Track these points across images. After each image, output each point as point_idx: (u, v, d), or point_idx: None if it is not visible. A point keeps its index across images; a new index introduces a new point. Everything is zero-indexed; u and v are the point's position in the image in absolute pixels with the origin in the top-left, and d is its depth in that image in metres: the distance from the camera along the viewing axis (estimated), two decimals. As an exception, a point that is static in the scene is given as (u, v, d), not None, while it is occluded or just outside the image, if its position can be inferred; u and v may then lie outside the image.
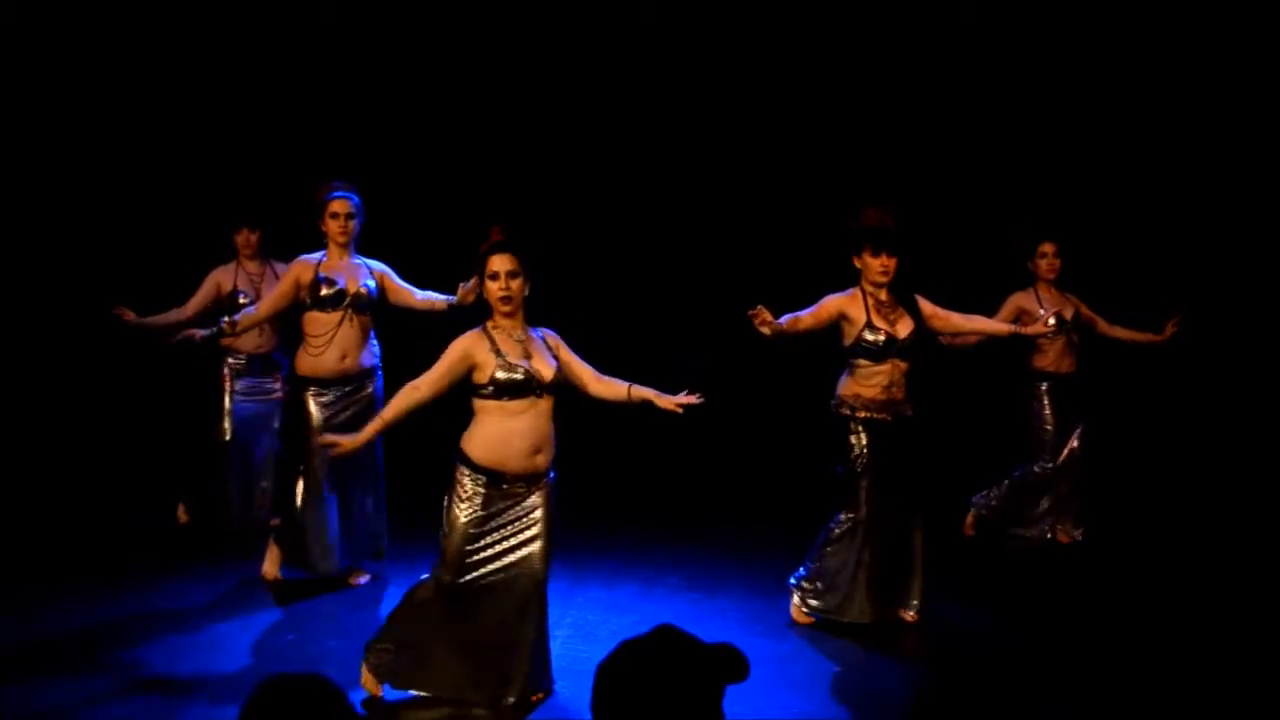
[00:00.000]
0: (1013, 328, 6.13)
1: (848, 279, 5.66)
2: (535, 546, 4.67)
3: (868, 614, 5.57)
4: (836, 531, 5.63)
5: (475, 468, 4.64)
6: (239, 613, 5.77)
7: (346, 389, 5.97)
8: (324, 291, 5.85)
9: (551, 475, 4.76)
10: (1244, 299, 8.21)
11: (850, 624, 5.61)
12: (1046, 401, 7.00)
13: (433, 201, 8.41)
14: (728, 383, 6.10)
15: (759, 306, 5.28)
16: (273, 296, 6.02)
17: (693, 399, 4.81)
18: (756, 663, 5.29)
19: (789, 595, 5.80)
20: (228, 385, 6.90)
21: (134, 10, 8.25)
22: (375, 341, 6.10)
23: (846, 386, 5.64)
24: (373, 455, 6.07)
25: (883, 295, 5.58)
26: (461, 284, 5.70)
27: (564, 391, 4.74)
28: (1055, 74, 8.30)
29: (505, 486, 4.64)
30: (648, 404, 4.79)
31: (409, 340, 5.85)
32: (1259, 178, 8.18)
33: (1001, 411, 7.22)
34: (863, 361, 5.58)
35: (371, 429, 4.83)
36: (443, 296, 5.89)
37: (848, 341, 5.59)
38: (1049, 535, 7.04)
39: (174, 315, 6.82)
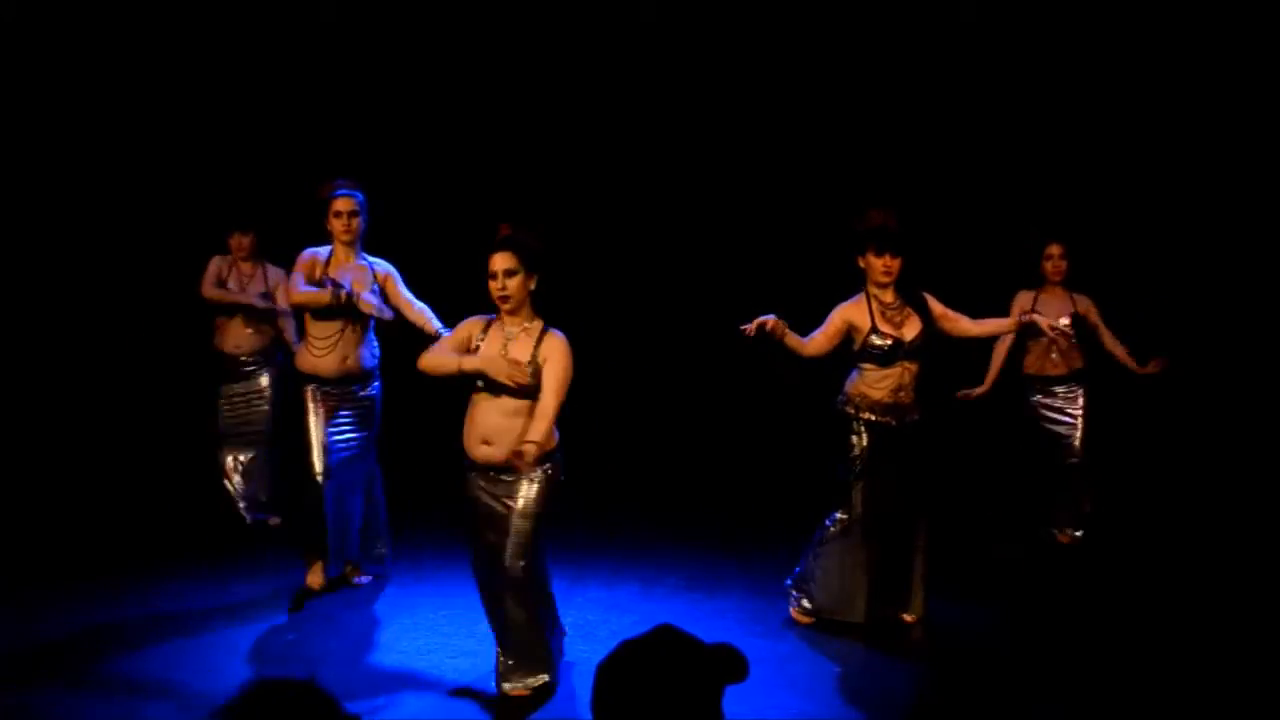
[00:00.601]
0: (1015, 321, 6.12)
1: (853, 280, 5.65)
2: (505, 538, 4.72)
3: (861, 615, 5.56)
4: (831, 530, 5.63)
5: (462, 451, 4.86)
6: (239, 613, 5.77)
7: (348, 389, 5.94)
8: (334, 292, 5.80)
9: (528, 471, 4.68)
10: (1246, 298, 8.21)
11: (850, 624, 5.60)
12: (1035, 402, 7.00)
13: (432, 201, 8.41)
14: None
15: (773, 320, 5.31)
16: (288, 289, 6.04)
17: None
18: (756, 663, 5.29)
19: (786, 595, 5.81)
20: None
21: (132, 11, 8.25)
22: (375, 341, 6.06)
23: (854, 385, 5.63)
24: (370, 455, 6.06)
25: (888, 297, 5.56)
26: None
27: (535, 393, 4.67)
28: (1061, 72, 8.29)
29: (474, 474, 4.79)
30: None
31: (411, 342, 5.87)
32: (1265, 174, 8.17)
33: (1003, 414, 7.22)
34: (869, 366, 5.57)
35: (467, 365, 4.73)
36: (436, 324, 5.71)
37: (856, 347, 5.58)
38: (1054, 534, 7.03)
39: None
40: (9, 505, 7.28)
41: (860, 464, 5.56)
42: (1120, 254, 7.99)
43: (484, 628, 5.03)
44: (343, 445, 5.88)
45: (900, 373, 5.54)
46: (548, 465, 4.76)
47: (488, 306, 4.88)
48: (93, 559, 6.55)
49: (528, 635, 4.83)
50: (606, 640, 5.29)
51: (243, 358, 7.08)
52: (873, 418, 5.57)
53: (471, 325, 4.87)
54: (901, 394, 5.56)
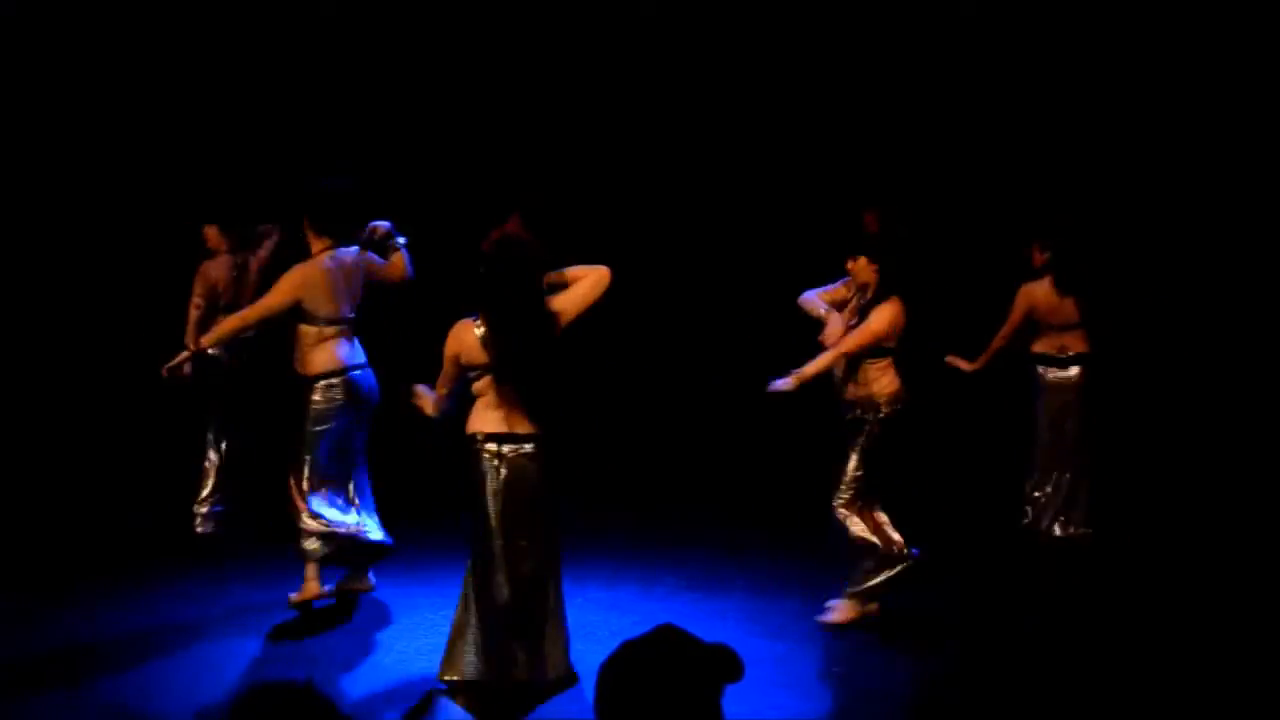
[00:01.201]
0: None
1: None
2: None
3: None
4: None
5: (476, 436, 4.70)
6: (238, 614, 5.76)
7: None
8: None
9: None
10: (1247, 297, 8.20)
11: (850, 624, 5.64)
12: (1041, 385, 6.96)
13: (432, 201, 8.40)
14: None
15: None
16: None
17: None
18: (756, 663, 5.29)
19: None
20: None
21: (130, 12, 8.25)
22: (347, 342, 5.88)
23: (885, 385, 5.73)
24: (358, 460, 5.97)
25: (868, 294, 5.62)
26: None
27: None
28: (1058, 70, 8.29)
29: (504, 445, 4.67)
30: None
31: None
32: (1263, 173, 8.17)
33: (1003, 404, 7.22)
34: (886, 360, 5.68)
35: None
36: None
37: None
38: (1058, 531, 7.00)
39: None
40: (8, 507, 7.27)
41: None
42: (1119, 250, 7.99)
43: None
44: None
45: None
46: None
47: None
48: (92, 560, 6.55)
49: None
50: (606, 640, 5.27)
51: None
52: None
53: (464, 330, 4.69)
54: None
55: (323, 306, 5.62)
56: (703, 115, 8.71)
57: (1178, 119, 8.21)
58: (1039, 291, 6.85)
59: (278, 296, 5.64)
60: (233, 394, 6.97)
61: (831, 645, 5.47)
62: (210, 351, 6.47)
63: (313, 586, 5.75)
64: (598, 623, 5.68)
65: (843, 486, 5.62)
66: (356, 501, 5.81)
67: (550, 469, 4.78)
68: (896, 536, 5.61)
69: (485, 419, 4.69)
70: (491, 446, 4.68)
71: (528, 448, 4.69)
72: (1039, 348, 6.96)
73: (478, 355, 4.65)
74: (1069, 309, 6.83)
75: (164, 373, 5.98)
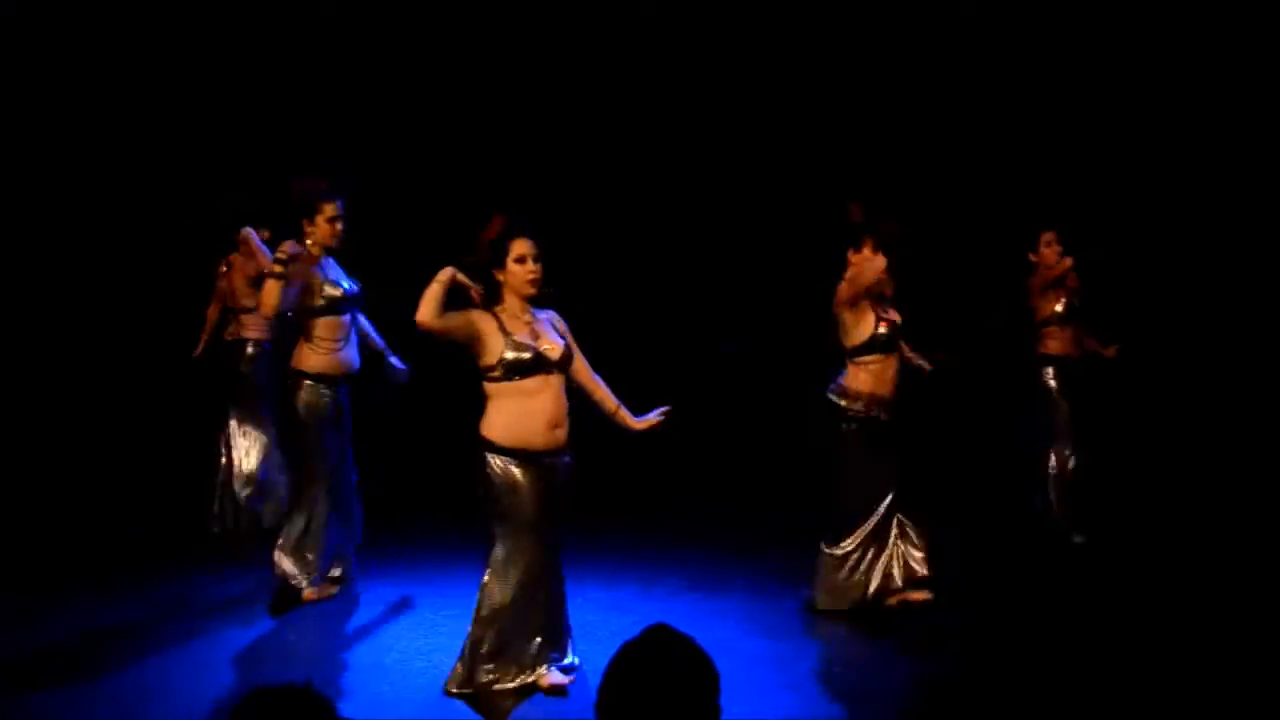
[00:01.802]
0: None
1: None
2: (556, 522, 4.85)
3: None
4: None
5: (500, 450, 4.69)
6: (238, 613, 5.77)
7: (341, 392, 5.93)
8: (335, 293, 5.81)
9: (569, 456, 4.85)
10: (1247, 296, 8.21)
11: (850, 624, 5.68)
12: (1054, 386, 7.00)
13: (430, 200, 8.41)
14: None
15: None
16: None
17: (656, 420, 4.97)
18: (756, 663, 5.32)
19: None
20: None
21: (131, 12, 8.26)
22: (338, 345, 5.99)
23: (858, 385, 5.77)
24: (347, 465, 6.01)
25: (886, 291, 5.69)
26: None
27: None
28: (1056, 67, 8.30)
29: (533, 464, 4.69)
30: (624, 427, 4.97)
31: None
32: (1262, 172, 8.17)
33: (1002, 405, 7.23)
34: (871, 356, 5.74)
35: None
36: (379, 343, 6.07)
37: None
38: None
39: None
40: (8, 507, 7.27)
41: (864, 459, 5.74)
42: (1116, 247, 7.99)
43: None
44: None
45: (893, 362, 5.74)
46: None
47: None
48: (91, 561, 6.55)
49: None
50: (606, 640, 5.29)
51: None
52: (876, 414, 5.72)
53: (479, 319, 4.72)
54: (895, 386, 5.73)
55: None
56: (701, 112, 8.71)
57: (1175, 120, 8.22)
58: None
59: None
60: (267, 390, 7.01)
61: (831, 645, 5.47)
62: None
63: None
64: (597, 623, 5.68)
65: None
66: None
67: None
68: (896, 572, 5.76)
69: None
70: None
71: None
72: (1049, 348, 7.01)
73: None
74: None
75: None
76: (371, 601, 5.98)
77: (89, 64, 8.34)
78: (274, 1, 8.40)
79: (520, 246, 4.76)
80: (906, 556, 5.77)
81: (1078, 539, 6.93)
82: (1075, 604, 6.03)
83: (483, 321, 4.71)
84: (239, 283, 7.05)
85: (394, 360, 6.10)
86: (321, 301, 5.80)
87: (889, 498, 5.76)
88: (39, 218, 8.46)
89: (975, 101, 8.46)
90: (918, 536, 5.80)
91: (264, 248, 6.43)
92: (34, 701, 4.77)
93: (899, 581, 5.76)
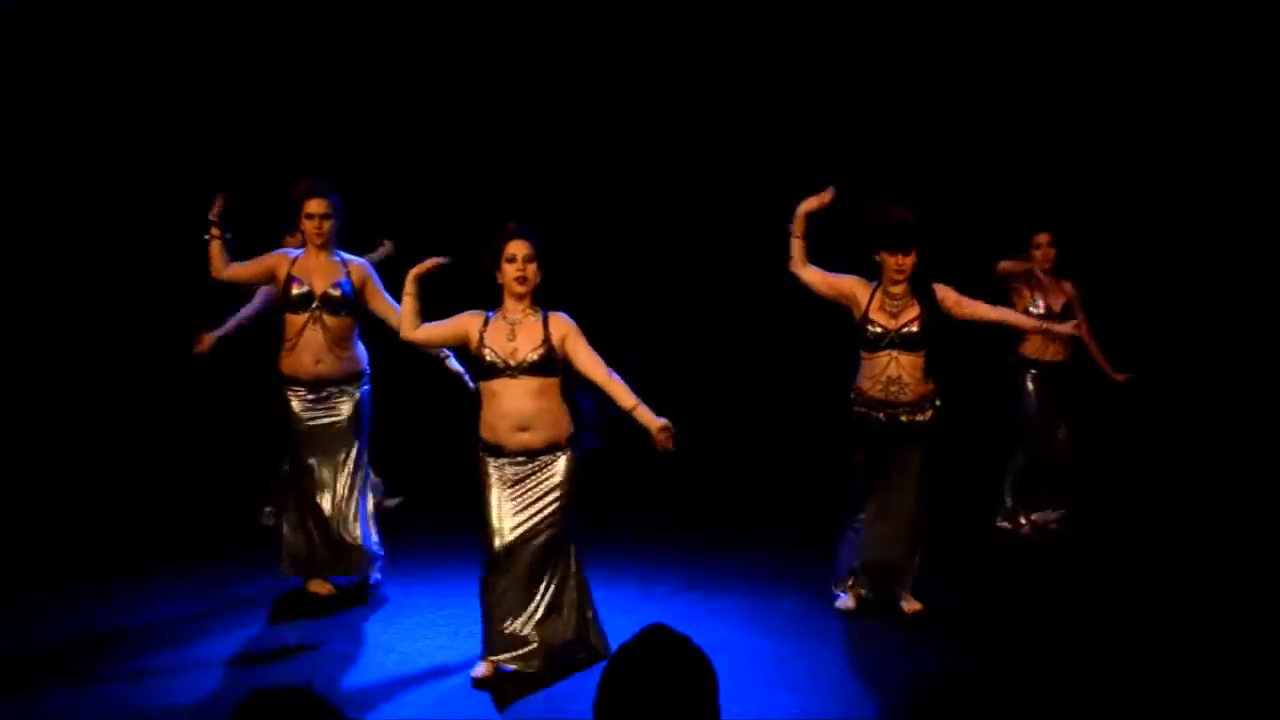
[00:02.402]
0: (1039, 324, 6.14)
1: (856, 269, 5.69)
2: (547, 514, 4.94)
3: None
4: (855, 525, 5.81)
5: (480, 444, 4.96)
6: (239, 614, 5.77)
7: (324, 394, 5.83)
8: (293, 291, 5.75)
9: (565, 449, 4.97)
10: (1241, 295, 8.20)
11: (850, 624, 5.67)
12: (1031, 388, 7.01)
13: (432, 202, 8.41)
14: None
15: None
16: (250, 266, 5.84)
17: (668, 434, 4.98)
18: (756, 663, 5.32)
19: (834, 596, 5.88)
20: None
21: (132, 12, 8.26)
22: (360, 347, 5.95)
23: (858, 379, 5.69)
24: (358, 459, 5.95)
25: (898, 290, 5.55)
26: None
27: (553, 371, 4.92)
28: (1056, 67, 8.29)
29: (507, 460, 4.91)
30: (642, 429, 4.95)
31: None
32: (1260, 174, 8.17)
33: (991, 401, 7.23)
34: (862, 353, 5.63)
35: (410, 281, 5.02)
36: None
37: (854, 324, 5.64)
38: (1050, 525, 7.04)
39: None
40: (9, 507, 7.27)
41: (856, 456, 5.68)
42: (1112, 246, 7.99)
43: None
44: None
45: (888, 363, 5.54)
46: (571, 441, 5.01)
47: (479, 305, 5.00)
48: (92, 561, 6.54)
49: (586, 609, 5.12)
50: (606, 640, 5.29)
51: None
52: (864, 410, 5.63)
53: (469, 319, 4.98)
54: (894, 388, 5.55)
55: None
56: (703, 109, 8.71)
57: (1172, 121, 8.22)
58: (1014, 268, 6.93)
59: None
60: None
61: (832, 645, 5.47)
62: None
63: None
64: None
65: None
66: None
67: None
68: None
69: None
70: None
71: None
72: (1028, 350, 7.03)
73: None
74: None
75: None
76: (372, 602, 5.97)
77: (111, 64, 8.34)
78: (275, 2, 8.40)
79: (512, 248, 4.94)
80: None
81: (1023, 525, 6.98)
82: (1074, 603, 6.03)
83: (471, 324, 4.95)
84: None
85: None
86: (291, 298, 5.78)
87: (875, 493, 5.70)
88: (39, 218, 8.45)
89: (973, 102, 8.46)
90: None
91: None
92: (34, 701, 4.77)
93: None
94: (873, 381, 5.59)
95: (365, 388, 5.93)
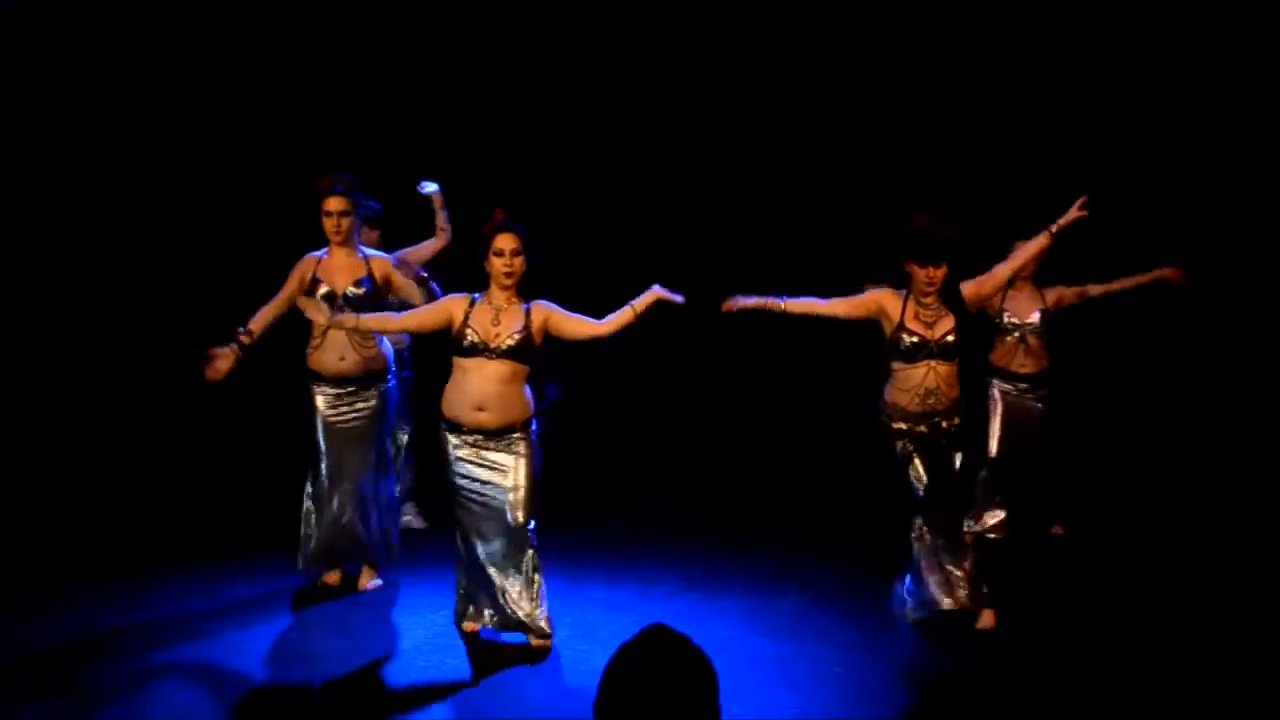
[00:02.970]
0: (1047, 233, 5.61)
1: (857, 275, 5.67)
2: (504, 494, 5.18)
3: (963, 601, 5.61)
4: (914, 537, 5.65)
5: (441, 420, 5.26)
6: (239, 613, 5.76)
7: (348, 390, 5.88)
8: (318, 292, 5.75)
9: (521, 431, 5.20)
10: (1233, 296, 8.19)
11: (849, 624, 5.68)
12: (996, 396, 6.81)
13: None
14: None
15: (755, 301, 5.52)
16: (281, 295, 5.82)
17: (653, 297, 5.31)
18: (756, 663, 5.32)
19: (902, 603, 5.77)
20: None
21: (132, 12, 8.26)
22: (385, 344, 5.99)
23: (888, 392, 5.58)
24: (380, 454, 6.02)
25: (929, 300, 5.48)
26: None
27: (527, 358, 5.16)
28: (1055, 67, 8.28)
29: (464, 436, 5.19)
30: (657, 306, 5.30)
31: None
32: (1258, 176, 8.16)
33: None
34: (896, 364, 5.53)
35: (349, 321, 5.37)
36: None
37: (885, 337, 5.54)
38: (992, 534, 6.86)
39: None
40: (9, 507, 7.26)
41: (906, 472, 5.56)
42: (1109, 247, 7.98)
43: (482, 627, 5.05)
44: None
45: (926, 373, 5.49)
46: (532, 426, 5.25)
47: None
48: (92, 561, 6.53)
49: (537, 587, 5.28)
50: (607, 640, 5.30)
51: None
52: (904, 426, 5.54)
53: (453, 302, 5.25)
54: (931, 400, 5.49)
55: None
56: (705, 109, 8.70)
57: (1169, 122, 8.22)
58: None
59: None
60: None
61: (831, 645, 5.47)
62: None
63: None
64: (598, 623, 5.69)
65: None
66: None
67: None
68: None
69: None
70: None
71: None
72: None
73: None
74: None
75: None
76: (372, 601, 5.98)
77: (111, 64, 8.34)
78: (275, 3, 8.40)
79: (500, 241, 5.19)
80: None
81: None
82: (1073, 604, 6.03)
83: (455, 307, 5.22)
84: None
85: None
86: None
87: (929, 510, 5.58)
88: (38, 218, 8.45)
89: (971, 102, 8.46)
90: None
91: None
92: (35, 704, 4.77)
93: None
94: (910, 394, 5.49)
95: (390, 384, 6.00)
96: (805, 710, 4.78)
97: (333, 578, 6.08)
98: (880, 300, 5.53)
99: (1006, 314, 6.76)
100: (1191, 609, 5.85)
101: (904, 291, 5.53)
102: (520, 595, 5.24)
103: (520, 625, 5.28)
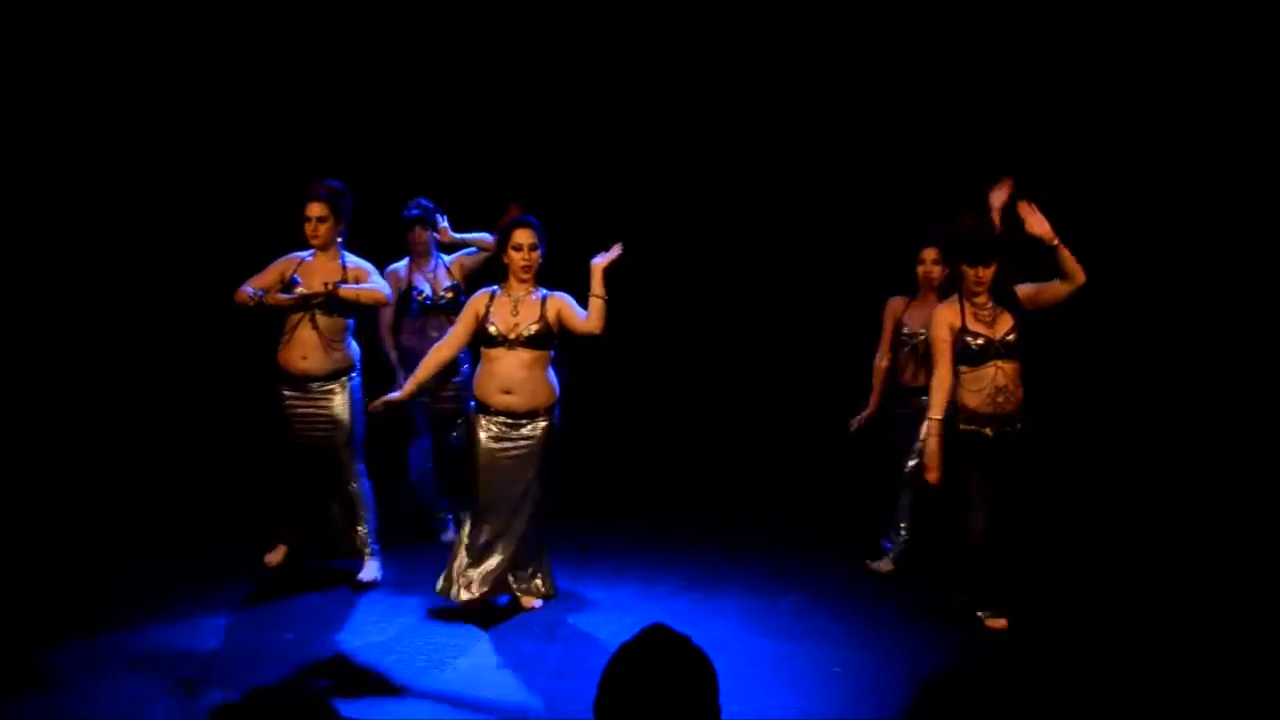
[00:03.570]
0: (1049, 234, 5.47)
1: (858, 277, 5.67)
2: (523, 472, 5.58)
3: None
4: None
5: (474, 403, 5.66)
6: (239, 613, 5.77)
7: (310, 389, 6.03)
8: (295, 291, 5.95)
9: (543, 417, 5.58)
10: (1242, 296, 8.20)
11: (849, 624, 5.67)
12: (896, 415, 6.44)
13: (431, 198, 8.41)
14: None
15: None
16: (259, 280, 6.02)
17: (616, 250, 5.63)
18: (756, 663, 5.32)
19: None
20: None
21: (132, 12, 8.26)
22: (353, 345, 6.15)
23: (957, 395, 5.57)
24: (351, 446, 6.12)
25: (981, 299, 5.52)
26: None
27: (546, 345, 5.55)
28: (1055, 67, 8.29)
29: (491, 418, 5.57)
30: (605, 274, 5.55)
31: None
32: (1255, 179, 8.16)
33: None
34: (963, 368, 5.53)
35: (408, 387, 5.72)
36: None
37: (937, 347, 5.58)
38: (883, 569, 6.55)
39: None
40: (9, 506, 7.26)
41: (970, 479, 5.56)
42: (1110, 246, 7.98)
43: (483, 627, 5.08)
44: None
45: (994, 374, 5.50)
46: (555, 410, 5.64)
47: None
48: (91, 560, 6.53)
49: (544, 552, 5.83)
50: (607, 640, 5.31)
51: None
52: (971, 427, 5.53)
53: (475, 302, 5.65)
54: (1000, 399, 5.49)
55: None
56: (709, 109, 8.71)
57: (1165, 124, 8.22)
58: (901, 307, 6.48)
59: None
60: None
61: (832, 645, 5.48)
62: None
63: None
64: (598, 623, 5.69)
65: None
66: None
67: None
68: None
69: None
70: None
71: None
72: None
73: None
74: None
75: None
76: (372, 601, 5.98)
77: (111, 64, 8.33)
78: (276, 3, 8.41)
79: (519, 236, 5.57)
80: None
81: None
82: (1074, 604, 6.03)
83: (478, 302, 5.63)
84: None
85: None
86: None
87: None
88: (38, 217, 8.45)
89: (973, 102, 8.46)
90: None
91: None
92: (34, 702, 4.77)
93: None
94: (980, 396, 5.50)
95: (354, 381, 6.13)
96: (805, 710, 4.78)
97: (274, 557, 6.30)
98: (945, 315, 5.56)
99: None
100: (1191, 609, 5.85)
101: (955, 295, 5.61)
102: (527, 564, 5.73)
103: (524, 589, 5.78)
